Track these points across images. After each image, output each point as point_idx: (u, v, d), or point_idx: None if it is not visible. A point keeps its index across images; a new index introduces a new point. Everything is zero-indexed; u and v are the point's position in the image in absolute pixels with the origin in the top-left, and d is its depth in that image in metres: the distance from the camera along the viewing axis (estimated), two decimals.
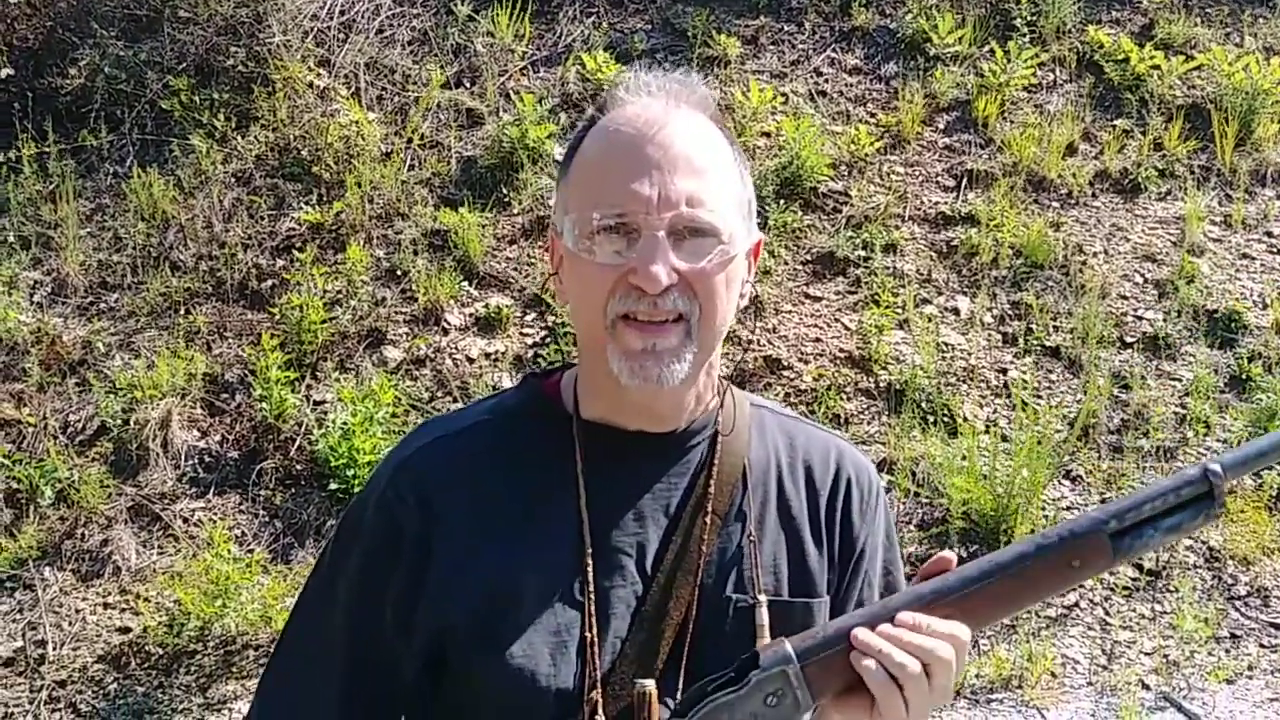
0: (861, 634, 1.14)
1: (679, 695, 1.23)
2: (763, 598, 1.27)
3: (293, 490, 4.87)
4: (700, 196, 1.22)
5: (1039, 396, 5.51)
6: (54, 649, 4.30)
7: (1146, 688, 4.55)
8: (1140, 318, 5.93)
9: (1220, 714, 4.38)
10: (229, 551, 4.47)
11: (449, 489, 1.28)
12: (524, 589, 1.24)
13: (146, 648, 4.32)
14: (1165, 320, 5.88)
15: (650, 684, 1.20)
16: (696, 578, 1.27)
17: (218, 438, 4.99)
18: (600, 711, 1.20)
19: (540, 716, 1.21)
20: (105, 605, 4.46)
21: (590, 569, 1.24)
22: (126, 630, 4.38)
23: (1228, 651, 4.72)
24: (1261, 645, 4.76)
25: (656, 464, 1.31)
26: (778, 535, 1.33)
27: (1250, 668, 4.64)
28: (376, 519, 1.30)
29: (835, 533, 1.36)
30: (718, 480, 1.31)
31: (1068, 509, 5.15)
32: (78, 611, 4.43)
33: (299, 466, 4.91)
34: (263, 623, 4.33)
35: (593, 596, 1.23)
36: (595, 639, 1.22)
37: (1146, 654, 4.68)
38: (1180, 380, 5.67)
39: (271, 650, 1.40)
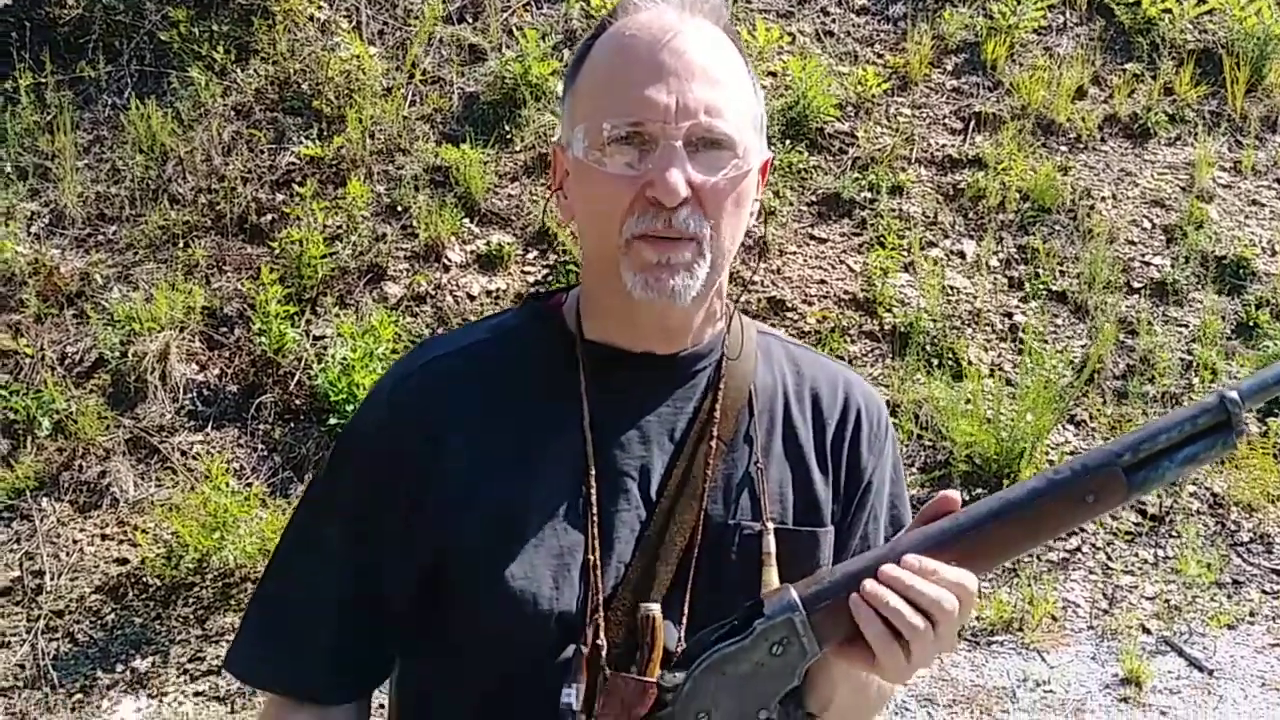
0: (868, 585, 1.10)
1: (683, 622, 1.20)
2: (769, 525, 1.24)
3: (292, 425, 4.84)
4: (718, 106, 1.17)
5: (1044, 341, 5.47)
6: (51, 579, 4.28)
7: (1147, 632, 4.55)
8: (1148, 263, 5.87)
9: (1220, 659, 4.38)
10: (227, 485, 4.45)
11: (449, 408, 1.24)
12: (526, 511, 1.20)
13: (144, 579, 4.31)
14: (1173, 266, 5.82)
15: (655, 607, 1.18)
16: (701, 504, 1.23)
17: (216, 371, 4.95)
18: (603, 634, 1.17)
19: (541, 639, 1.18)
20: (103, 536, 4.44)
21: (593, 492, 1.21)
22: (124, 561, 4.37)
23: (1229, 597, 4.72)
24: (1263, 591, 4.75)
25: (662, 387, 1.27)
26: (783, 463, 1.29)
27: (1251, 613, 4.63)
28: (375, 437, 1.26)
29: (842, 463, 1.33)
30: (723, 405, 1.27)
31: (1071, 453, 5.12)
32: (75, 542, 4.41)
33: (298, 401, 4.88)
34: (261, 556, 4.31)
35: (595, 519, 1.20)
36: (598, 562, 1.19)
37: (1148, 599, 4.68)
38: (1187, 326, 5.63)
39: (262, 571, 1.36)
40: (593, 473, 1.21)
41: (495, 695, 1.20)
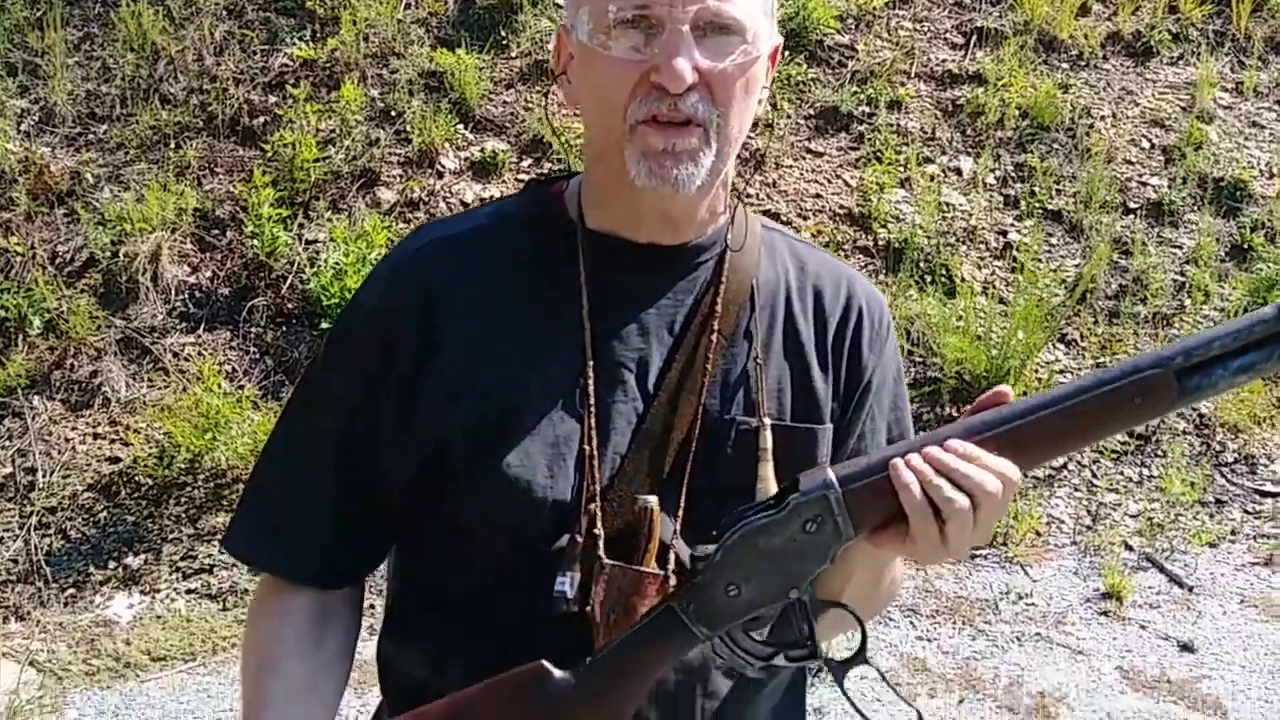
0: (912, 458, 1.07)
1: (679, 516, 1.20)
2: (767, 421, 1.23)
3: (284, 328, 4.83)
4: None
5: (1038, 260, 5.46)
6: (44, 476, 4.30)
7: (1129, 548, 4.60)
8: (1145, 184, 5.85)
9: (1201, 576, 4.44)
10: (219, 386, 4.45)
11: (448, 292, 1.23)
12: (522, 399, 1.19)
13: (136, 478, 4.33)
14: (1170, 187, 5.80)
15: (653, 500, 1.17)
16: (700, 398, 1.22)
17: (208, 274, 4.92)
18: (599, 524, 1.17)
19: (535, 528, 1.18)
20: (95, 435, 4.45)
21: (591, 382, 1.20)
22: (116, 460, 4.38)
23: (1211, 516, 4.77)
24: (1245, 511, 4.81)
25: (663, 279, 1.26)
26: (783, 360, 1.28)
27: (1233, 532, 4.69)
28: (372, 322, 1.25)
29: (842, 362, 1.31)
30: (725, 299, 1.25)
31: (1061, 372, 5.15)
32: (67, 440, 4.42)
33: (290, 305, 4.86)
34: (253, 458, 4.32)
35: (593, 409, 1.19)
36: (594, 452, 1.18)
37: (1131, 516, 4.73)
38: (1181, 248, 5.62)
39: (255, 460, 1.36)
40: (591, 363, 1.20)
41: (490, 584, 1.20)
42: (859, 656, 1.12)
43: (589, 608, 1.15)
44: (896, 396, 1.37)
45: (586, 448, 1.18)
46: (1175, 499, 4.75)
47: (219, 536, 4.20)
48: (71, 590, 4.04)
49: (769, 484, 1.21)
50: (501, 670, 1.11)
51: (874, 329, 1.34)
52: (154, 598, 4.02)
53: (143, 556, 4.14)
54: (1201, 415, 5.08)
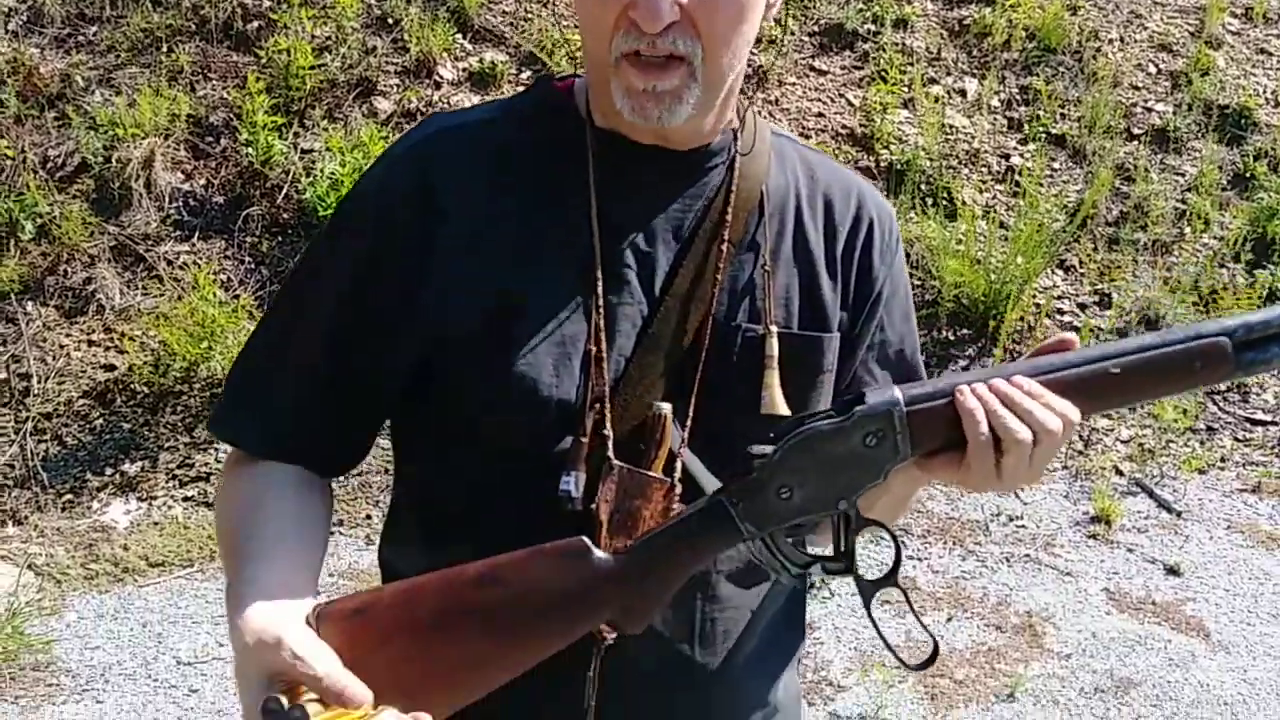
0: (978, 387, 1.09)
1: (687, 424, 1.19)
2: (774, 329, 1.21)
3: (279, 238, 4.79)
4: None
5: (1040, 185, 5.42)
6: (39, 382, 4.29)
7: (1120, 473, 4.64)
8: (1150, 109, 5.79)
9: (1190, 501, 4.49)
10: (214, 295, 4.42)
11: (454, 183, 1.19)
12: (526, 299, 1.17)
13: (132, 386, 4.32)
14: (1175, 113, 5.74)
15: (667, 407, 1.16)
16: (708, 305, 1.20)
17: (202, 181, 4.86)
18: (608, 425, 1.16)
19: (540, 429, 1.16)
20: (89, 342, 4.43)
21: (598, 282, 1.17)
22: (111, 368, 4.37)
23: (1202, 443, 4.81)
24: (1236, 439, 4.84)
25: (671, 183, 1.23)
26: (791, 267, 1.26)
27: (1223, 459, 4.73)
28: (375, 209, 1.20)
29: (852, 272, 1.29)
30: (734, 205, 1.23)
31: (1059, 298, 5.14)
32: (62, 347, 4.40)
33: (286, 215, 4.81)
34: None
35: (600, 310, 1.17)
36: (601, 353, 1.17)
37: (1123, 442, 4.76)
38: (1184, 175, 5.59)
39: (244, 344, 1.31)
40: (599, 263, 1.19)
41: (493, 484, 1.19)
42: (890, 578, 1.13)
43: (593, 506, 1.14)
44: (906, 308, 1.36)
45: (593, 349, 1.17)
46: (1167, 425, 4.78)
47: (215, 445, 4.20)
48: (69, 496, 4.05)
49: (774, 392, 1.20)
50: None
51: (884, 240, 1.32)
52: (151, 504, 4.04)
53: (139, 464, 4.15)
54: None
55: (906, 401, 1.10)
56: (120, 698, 3.23)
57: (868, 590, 1.13)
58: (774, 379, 1.20)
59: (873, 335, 1.32)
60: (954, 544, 4.16)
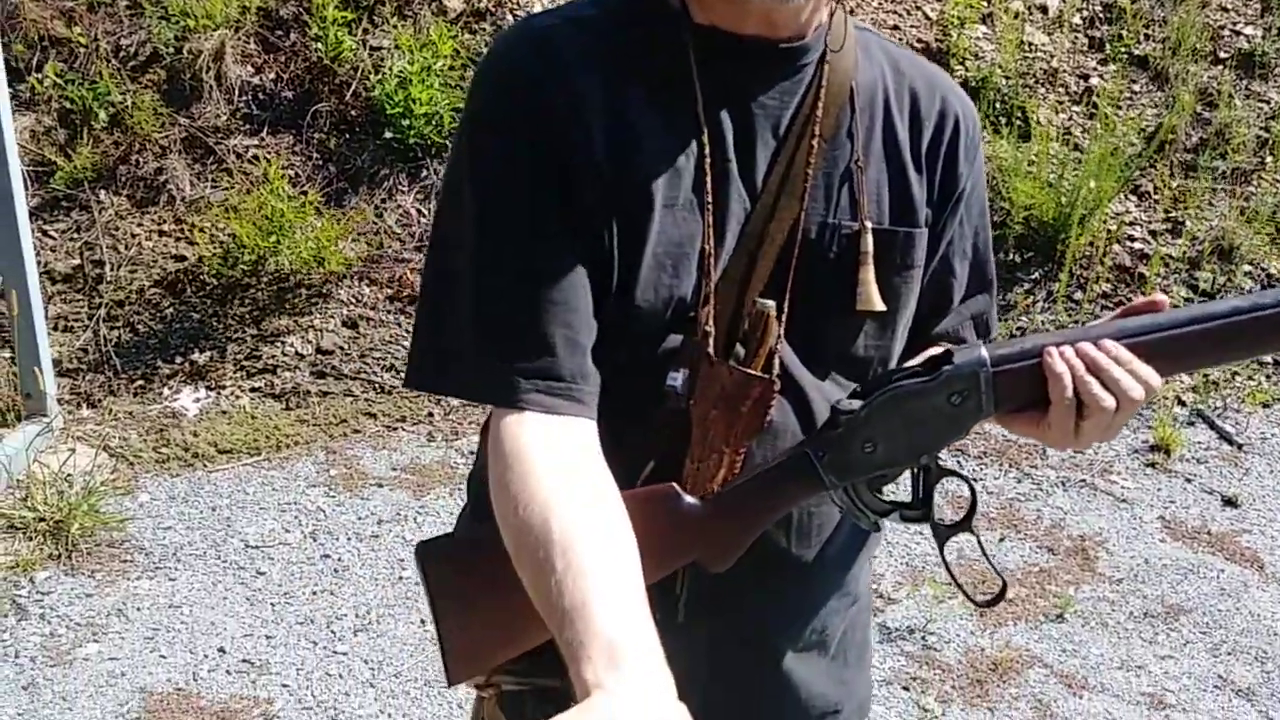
0: (1065, 350, 1.11)
1: (782, 321, 1.19)
2: (868, 224, 1.21)
3: (347, 135, 4.80)
4: None
5: (1118, 107, 5.30)
6: (111, 270, 4.36)
7: (1182, 404, 4.60)
8: (1238, 32, 5.62)
9: (1251, 434, 4.45)
10: (283, 190, 4.46)
11: (582, 72, 1.16)
12: (652, 195, 1.16)
13: (201, 277, 4.39)
14: (1264, 37, 5.57)
15: (771, 304, 1.17)
16: (802, 202, 1.20)
17: (272, 75, 4.88)
18: (711, 323, 1.17)
19: (654, 328, 1.17)
20: (160, 233, 4.50)
21: (708, 179, 1.17)
22: (182, 259, 4.43)
23: (1269, 377, 4.74)
24: None
25: (769, 79, 1.21)
26: (881, 163, 1.25)
27: None
28: (523, 101, 1.15)
29: (937, 167, 1.28)
30: (825, 101, 1.21)
31: (1130, 224, 5.05)
32: (133, 236, 4.47)
33: (354, 112, 4.82)
34: (315, 263, 4.37)
35: (711, 209, 1.17)
36: (713, 252, 1.17)
37: (1187, 373, 4.71)
38: (1268, 103, 5.44)
39: (422, 282, 1.22)
40: (708, 161, 1.18)
41: (605, 381, 1.16)
42: (965, 523, 1.18)
43: (691, 402, 1.16)
44: (983, 203, 1.36)
45: (706, 247, 1.17)
46: None
47: (282, 338, 4.27)
48: (140, 382, 4.14)
49: (870, 288, 1.20)
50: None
51: (969, 136, 1.31)
52: (219, 394, 4.12)
53: (208, 353, 4.23)
54: (1269, 275, 4.99)
55: (993, 362, 1.13)
56: (191, 576, 3.33)
57: (943, 535, 1.19)
58: (869, 275, 1.21)
59: (954, 230, 1.32)
60: (1010, 466, 4.16)
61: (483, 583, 1.17)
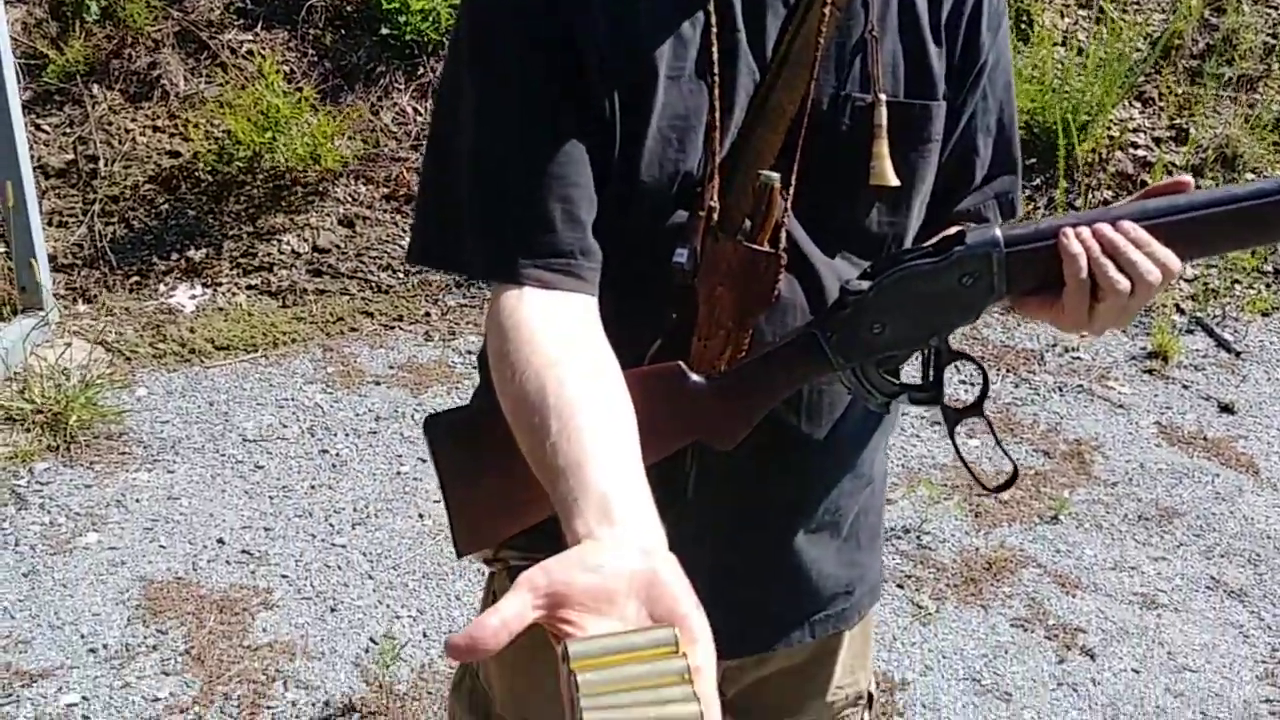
0: (1082, 231, 1.08)
1: (790, 194, 1.17)
2: (882, 96, 1.17)
3: (343, 31, 4.72)
4: None
5: (1124, 11, 5.22)
6: (105, 165, 4.32)
7: (1181, 312, 4.60)
8: None
9: (1249, 342, 4.45)
10: (279, 86, 4.40)
11: None
12: (656, 67, 1.13)
13: (196, 173, 4.34)
14: None
15: (775, 177, 1.13)
16: (813, 72, 1.16)
17: None
18: (716, 198, 1.14)
19: (660, 203, 1.15)
20: (155, 128, 4.44)
21: (714, 50, 1.14)
22: (176, 155, 4.38)
23: (1268, 285, 4.74)
24: None
25: None
26: (897, 34, 1.21)
27: None
28: None
29: (958, 38, 1.24)
30: None
31: (1134, 130, 5.01)
32: (127, 131, 4.41)
33: (349, 8, 4.74)
34: (311, 160, 4.32)
35: (717, 81, 1.14)
36: (719, 125, 1.14)
37: (1187, 280, 4.70)
38: (1277, 8, 5.35)
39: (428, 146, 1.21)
40: (714, 31, 1.16)
41: (610, 257, 1.14)
42: (976, 408, 1.17)
43: (697, 279, 1.15)
44: (1008, 78, 1.32)
45: (713, 120, 1.15)
46: (1233, 263, 4.71)
47: (278, 236, 4.24)
48: (136, 278, 4.12)
49: (884, 162, 1.18)
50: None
51: (991, 5, 1.26)
52: (215, 290, 4.10)
53: (204, 250, 4.20)
54: None
55: (1007, 243, 1.10)
56: (190, 469, 3.35)
57: (953, 418, 1.17)
58: (883, 148, 1.18)
59: (977, 103, 1.29)
60: (1008, 371, 4.16)
61: (489, 455, 1.16)
